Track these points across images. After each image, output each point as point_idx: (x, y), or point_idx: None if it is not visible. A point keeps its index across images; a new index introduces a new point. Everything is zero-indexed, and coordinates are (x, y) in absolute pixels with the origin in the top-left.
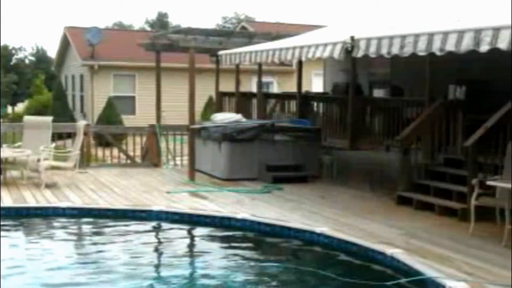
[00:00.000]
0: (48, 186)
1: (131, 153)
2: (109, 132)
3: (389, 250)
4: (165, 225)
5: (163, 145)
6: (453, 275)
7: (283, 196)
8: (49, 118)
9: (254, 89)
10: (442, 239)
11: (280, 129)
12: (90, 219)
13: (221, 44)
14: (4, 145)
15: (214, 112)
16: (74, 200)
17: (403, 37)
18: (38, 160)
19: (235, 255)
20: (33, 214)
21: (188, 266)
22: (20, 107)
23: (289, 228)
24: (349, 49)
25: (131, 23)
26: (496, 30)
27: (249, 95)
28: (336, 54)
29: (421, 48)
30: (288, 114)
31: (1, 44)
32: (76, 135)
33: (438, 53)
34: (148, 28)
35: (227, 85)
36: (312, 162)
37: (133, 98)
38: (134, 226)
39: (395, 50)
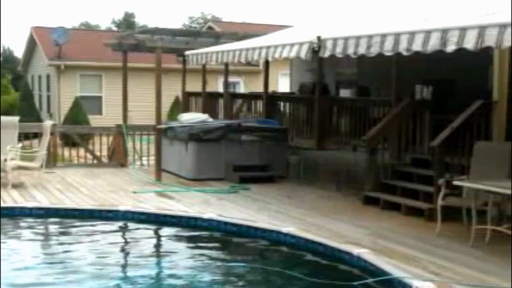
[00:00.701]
0: (14, 186)
1: (98, 153)
2: (75, 132)
3: (356, 250)
4: (131, 225)
5: (129, 145)
6: (419, 275)
7: (250, 196)
8: (15, 118)
9: (220, 89)
10: (409, 239)
11: (247, 129)
12: (57, 219)
13: (188, 44)
14: None
15: (181, 112)
16: (41, 200)
17: (370, 37)
18: (5, 160)
19: (202, 255)
20: None
21: (155, 266)
22: None
23: (256, 228)
24: (315, 49)
25: (97, 23)
26: (463, 30)
27: (215, 95)
28: (302, 54)
29: (388, 48)
30: (254, 114)
31: None
32: (42, 135)
33: (404, 53)
34: (115, 28)
35: (194, 85)
36: (279, 162)
37: (99, 98)
38: (101, 226)
39: (361, 50)
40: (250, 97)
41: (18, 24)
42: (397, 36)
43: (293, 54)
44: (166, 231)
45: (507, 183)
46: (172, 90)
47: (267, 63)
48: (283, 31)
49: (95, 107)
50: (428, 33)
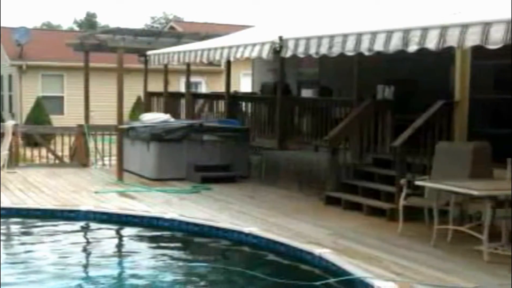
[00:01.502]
0: None
1: (60, 153)
2: (37, 132)
3: (318, 250)
4: (93, 225)
5: (91, 145)
6: (381, 275)
7: (212, 196)
8: None
9: (182, 89)
10: (371, 239)
11: (209, 129)
12: (19, 219)
13: (150, 44)
14: None
15: (143, 112)
16: (3, 200)
17: (332, 37)
18: None
19: (164, 255)
20: None
21: (117, 266)
22: None
23: (218, 228)
24: (277, 49)
25: (59, 23)
26: (425, 30)
27: (177, 95)
28: (264, 54)
29: (350, 48)
30: (216, 114)
31: None
32: (4, 135)
33: (366, 53)
34: (77, 28)
35: (156, 85)
36: (241, 162)
37: (61, 98)
38: (63, 226)
39: (323, 50)
40: (212, 97)
41: None
42: (359, 36)
43: (254, 54)
44: (128, 231)
45: (469, 183)
46: (134, 90)
47: (229, 63)
48: (245, 31)
49: (57, 107)
50: (389, 33)
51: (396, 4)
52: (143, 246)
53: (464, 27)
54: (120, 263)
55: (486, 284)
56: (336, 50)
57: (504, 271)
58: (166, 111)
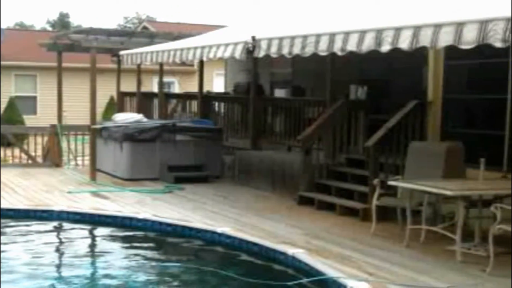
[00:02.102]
0: None
1: (33, 153)
2: (10, 132)
3: (291, 250)
4: (66, 225)
5: (64, 145)
6: (354, 275)
7: (185, 196)
8: None
9: (155, 89)
10: (344, 239)
11: (182, 129)
12: None
13: (123, 44)
14: None
15: (116, 112)
16: None
17: (305, 37)
18: None
19: (137, 255)
20: None
21: (90, 266)
22: None
23: (191, 228)
24: (250, 49)
25: (32, 23)
26: (398, 30)
27: (150, 95)
28: (237, 54)
29: (323, 48)
30: (189, 114)
31: None
32: None
33: (339, 53)
34: (50, 28)
35: (129, 85)
36: (214, 162)
37: (34, 98)
38: (36, 226)
39: (296, 50)
40: (185, 97)
41: None
42: (332, 36)
43: (227, 54)
44: (100, 231)
45: (442, 183)
46: (107, 90)
47: (201, 63)
48: (218, 31)
49: (30, 107)
50: (362, 33)
51: (371, 4)
52: (116, 246)
53: (437, 27)
54: (93, 263)
55: (459, 284)
56: (309, 50)
57: (477, 271)
58: (139, 111)
